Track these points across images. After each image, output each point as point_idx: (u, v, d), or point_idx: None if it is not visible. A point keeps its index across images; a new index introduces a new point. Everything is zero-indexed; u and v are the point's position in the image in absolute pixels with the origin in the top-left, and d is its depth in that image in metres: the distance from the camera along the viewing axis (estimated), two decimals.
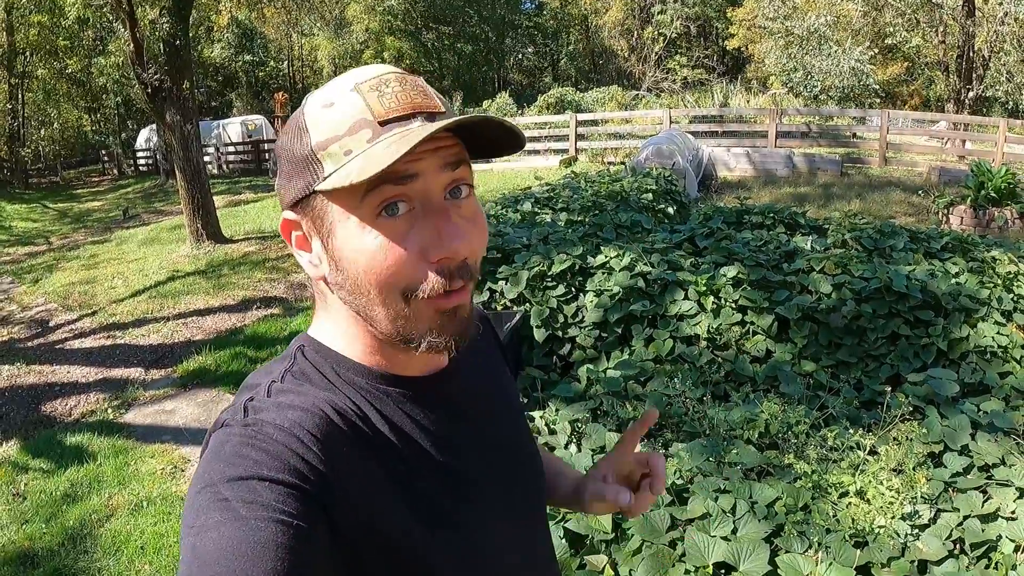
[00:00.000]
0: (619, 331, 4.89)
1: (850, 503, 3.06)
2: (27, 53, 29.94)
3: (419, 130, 0.78)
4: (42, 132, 35.46)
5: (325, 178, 0.82)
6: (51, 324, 9.10)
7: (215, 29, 40.28)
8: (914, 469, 3.23)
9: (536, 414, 3.89)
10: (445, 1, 41.61)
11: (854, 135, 17.10)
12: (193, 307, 9.01)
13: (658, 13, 40.24)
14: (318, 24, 38.68)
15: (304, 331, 0.98)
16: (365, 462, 0.84)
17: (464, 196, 0.86)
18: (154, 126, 27.78)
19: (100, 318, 9.02)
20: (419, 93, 0.84)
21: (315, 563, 0.73)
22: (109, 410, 6.24)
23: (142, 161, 33.02)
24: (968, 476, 3.26)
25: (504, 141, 0.88)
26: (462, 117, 0.79)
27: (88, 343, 8.17)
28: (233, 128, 30.46)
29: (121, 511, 4.62)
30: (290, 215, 0.89)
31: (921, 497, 3.10)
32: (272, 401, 0.84)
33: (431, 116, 0.82)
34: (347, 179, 0.78)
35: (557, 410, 3.94)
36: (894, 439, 3.49)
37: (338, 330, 0.93)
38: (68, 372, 7.35)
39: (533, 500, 1.10)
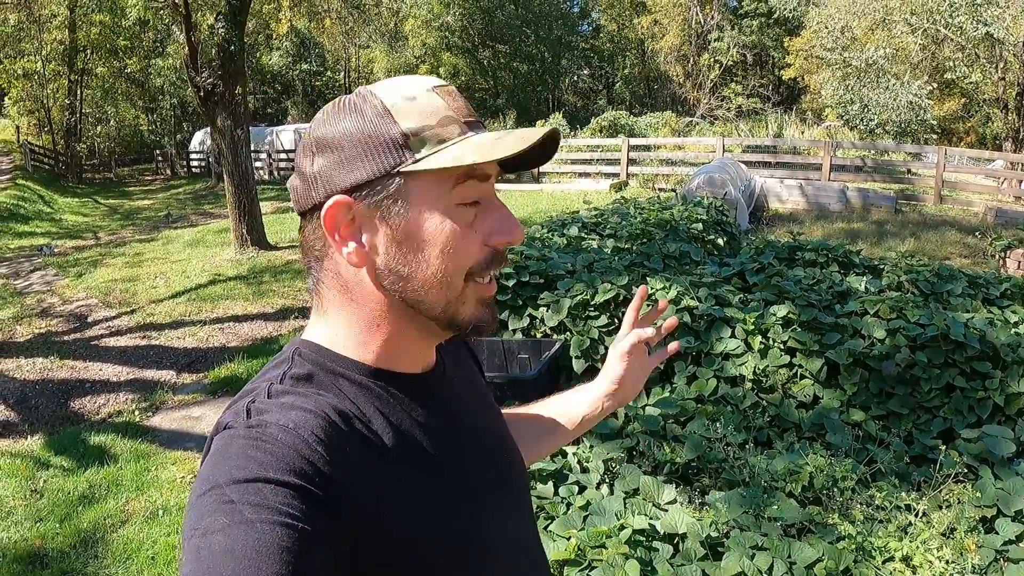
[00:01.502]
0: (661, 367, 4.69)
1: (894, 569, 2.85)
2: (88, 51, 30.48)
3: (530, 132, 0.87)
4: (98, 129, 35.99)
5: (418, 160, 0.86)
6: (89, 320, 9.14)
7: (274, 37, 40.85)
8: (964, 535, 3.01)
9: (569, 449, 3.72)
10: (503, 20, 41.81)
11: (909, 171, 16.73)
12: (231, 312, 8.98)
13: (715, 40, 40.08)
14: (375, 37, 39.07)
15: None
16: (369, 462, 0.84)
17: None
18: (208, 129, 28.13)
19: (138, 317, 9.03)
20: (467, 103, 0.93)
21: (320, 566, 0.72)
22: (136, 412, 6.20)
23: (195, 163, 33.48)
24: (1021, 544, 3.06)
25: (534, 159, 0.95)
26: (546, 130, 0.88)
27: (123, 341, 8.17)
28: (286, 136, 30.75)
29: (136, 518, 4.55)
30: (344, 198, 0.87)
31: (971, 569, 2.88)
32: (274, 402, 0.84)
33: (478, 123, 0.92)
34: (460, 160, 0.84)
35: (591, 447, 3.77)
36: (944, 500, 3.28)
37: (339, 328, 0.94)
38: (100, 370, 7.34)
39: (520, 489, 1.13)
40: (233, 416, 0.83)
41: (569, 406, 1.40)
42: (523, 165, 0.96)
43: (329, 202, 0.87)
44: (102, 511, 4.64)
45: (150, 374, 7.12)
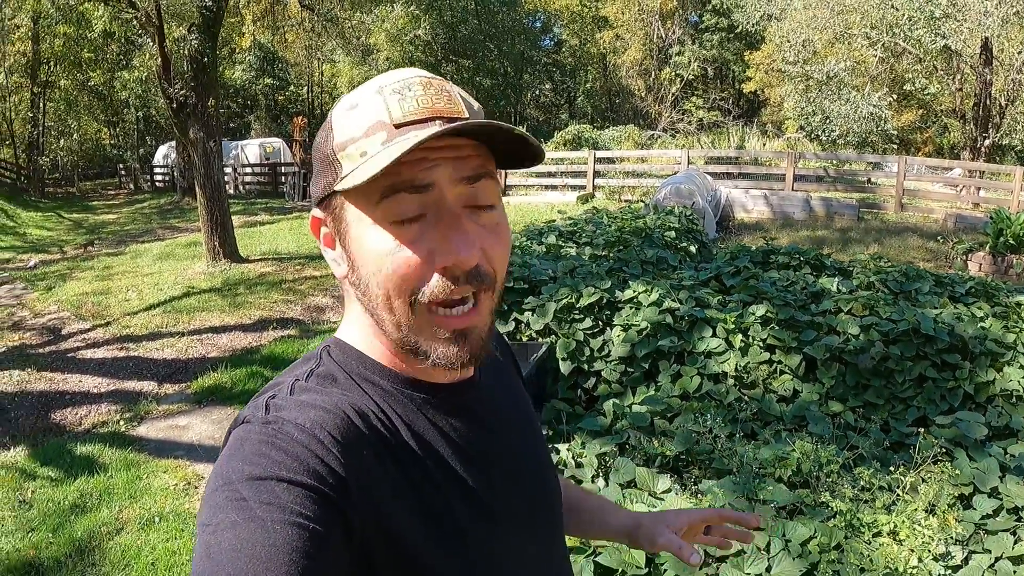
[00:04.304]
0: (646, 366, 4.83)
1: (883, 543, 3.00)
2: (51, 63, 30.22)
3: (422, 133, 0.79)
4: (61, 142, 35.54)
5: (342, 178, 0.84)
6: (63, 332, 9.06)
7: (237, 51, 40.66)
8: (944, 511, 3.19)
9: (562, 447, 3.84)
10: (466, 35, 41.93)
11: (870, 180, 17.09)
12: (208, 324, 8.97)
13: (676, 54, 40.52)
14: (339, 51, 39.00)
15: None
16: (385, 467, 0.83)
17: (486, 207, 0.86)
18: (173, 143, 27.96)
19: (113, 329, 8.98)
20: (442, 98, 0.84)
21: (329, 568, 0.72)
22: (121, 422, 6.19)
23: (159, 177, 33.15)
24: (997, 518, 3.26)
25: (523, 152, 0.88)
26: (468, 122, 0.80)
27: (100, 353, 8.12)
28: (251, 149, 30.61)
29: (131, 525, 4.55)
30: (317, 212, 0.91)
31: (953, 538, 3.05)
32: (294, 400, 0.83)
33: (451, 121, 0.82)
34: (354, 181, 0.80)
35: (583, 443, 3.88)
36: (922, 480, 3.45)
37: (363, 331, 0.92)
38: (80, 381, 7.29)
39: (552, 516, 1.09)
40: (252, 411, 0.82)
41: (607, 505, 1.40)
42: (515, 163, 0.91)
43: (311, 213, 0.93)
44: (96, 520, 4.63)
45: (131, 385, 7.10)
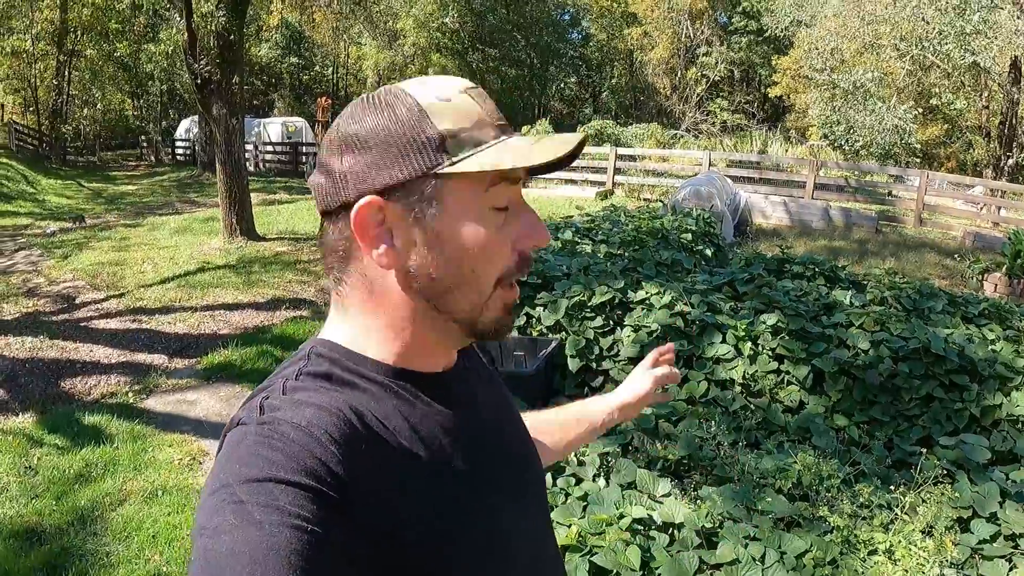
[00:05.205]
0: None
1: (877, 561, 3.01)
2: (78, 32, 30.36)
3: (565, 138, 0.87)
4: (84, 111, 35.85)
5: (458, 161, 0.84)
6: (77, 301, 9.09)
7: (264, 28, 40.78)
8: (942, 533, 3.19)
9: None
10: (494, 24, 41.94)
11: (890, 193, 17.02)
12: (221, 300, 9.00)
13: (703, 55, 40.35)
14: (366, 34, 39.03)
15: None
16: (383, 461, 0.83)
17: None
18: (195, 117, 28.04)
19: (127, 301, 9.01)
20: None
21: (330, 569, 0.71)
22: (129, 394, 6.22)
23: (180, 150, 33.33)
24: (994, 544, 3.25)
25: (562, 163, 0.91)
26: (581, 137, 0.87)
27: (113, 324, 8.15)
28: (273, 128, 30.70)
29: (135, 497, 4.59)
30: (376, 199, 0.86)
31: (948, 562, 3.05)
32: (289, 399, 0.82)
33: (511, 129, 0.91)
34: (499, 163, 0.83)
35: None
36: (922, 500, 3.45)
37: (361, 331, 0.93)
38: (91, 351, 7.32)
39: (540, 492, 1.13)
40: (247, 412, 0.81)
41: (586, 410, 1.47)
42: (550, 169, 0.90)
43: (361, 202, 0.86)
44: (99, 490, 4.66)
45: (141, 357, 7.14)
